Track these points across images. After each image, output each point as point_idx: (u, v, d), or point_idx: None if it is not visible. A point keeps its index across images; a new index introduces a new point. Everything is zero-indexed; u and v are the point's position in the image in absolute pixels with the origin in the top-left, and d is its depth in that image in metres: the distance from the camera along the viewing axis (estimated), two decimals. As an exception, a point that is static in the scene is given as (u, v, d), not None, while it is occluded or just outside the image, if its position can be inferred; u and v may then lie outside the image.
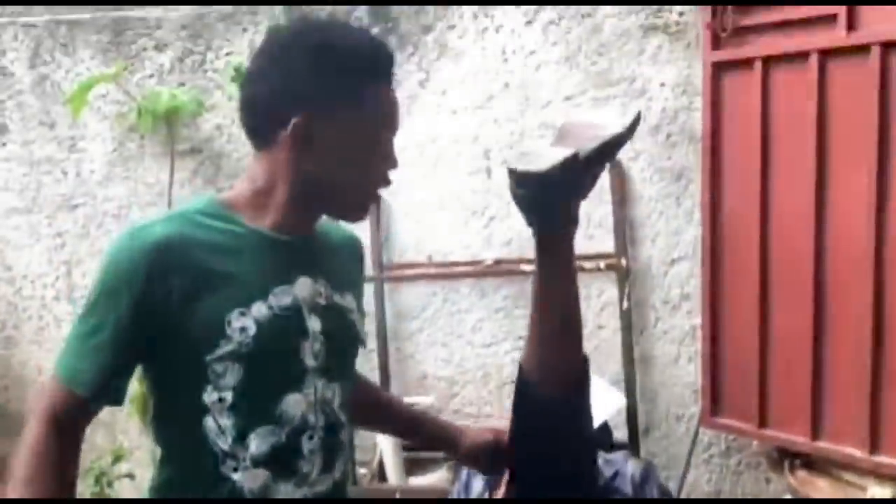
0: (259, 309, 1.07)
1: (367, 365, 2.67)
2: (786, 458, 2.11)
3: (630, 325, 2.43)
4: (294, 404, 1.10)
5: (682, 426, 2.54)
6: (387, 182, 1.15)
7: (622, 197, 2.46)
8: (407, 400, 2.53)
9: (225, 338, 1.05)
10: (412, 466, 2.50)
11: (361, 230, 2.68)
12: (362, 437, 2.72)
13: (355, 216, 1.17)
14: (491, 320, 2.62)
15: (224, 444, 1.07)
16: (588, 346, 2.58)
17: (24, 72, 2.77)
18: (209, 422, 1.07)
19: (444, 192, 2.60)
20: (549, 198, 1.08)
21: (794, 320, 2.04)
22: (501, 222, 2.57)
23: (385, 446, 2.46)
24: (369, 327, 2.60)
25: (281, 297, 1.09)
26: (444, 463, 2.53)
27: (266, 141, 1.11)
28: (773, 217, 2.07)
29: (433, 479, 2.44)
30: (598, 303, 2.55)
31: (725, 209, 2.18)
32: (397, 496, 2.30)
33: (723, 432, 2.37)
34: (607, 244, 2.50)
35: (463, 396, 2.68)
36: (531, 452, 1.24)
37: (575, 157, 1.05)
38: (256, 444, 1.08)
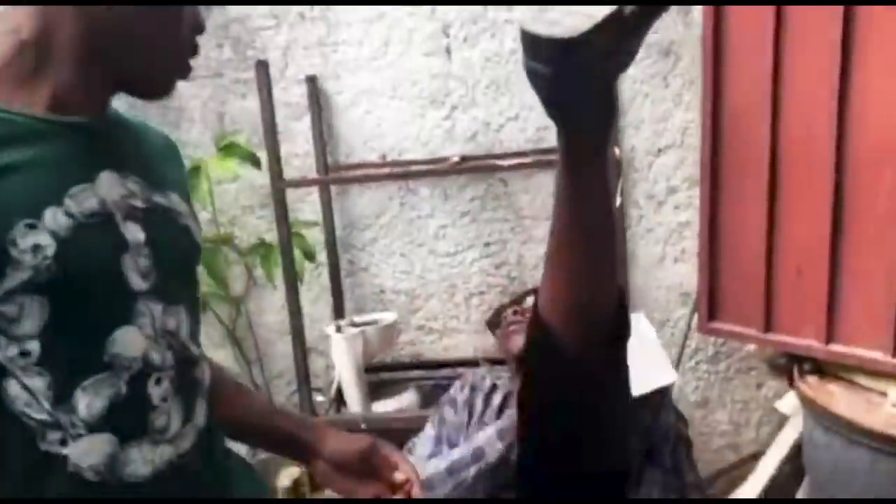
0: (55, 218, 0.75)
1: (317, 282, 2.36)
2: (794, 363, 1.91)
3: (622, 222, 2.13)
4: (128, 341, 0.82)
5: (668, 332, 2.33)
6: (195, 50, 0.86)
7: (603, 78, 2.15)
8: (365, 318, 2.24)
9: (12, 264, 0.73)
10: (375, 390, 2.23)
11: (299, 126, 2.36)
12: (314, 359, 2.43)
13: (160, 89, 0.86)
14: (455, 226, 2.32)
15: (39, 412, 0.77)
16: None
17: None
18: (12, 387, 0.76)
19: (396, 76, 2.23)
20: (584, 77, 0.74)
21: (809, 214, 1.79)
22: (465, 112, 2.23)
23: (343, 368, 2.17)
24: (317, 238, 2.27)
25: (81, 201, 0.78)
26: (411, 384, 2.27)
27: None
28: (786, 96, 1.78)
29: (400, 402, 2.18)
30: (575, 201, 2.26)
31: (729, 87, 1.88)
32: (363, 427, 2.03)
33: (722, 338, 2.16)
34: (587, 133, 2.20)
35: (427, 311, 2.40)
36: (552, 428, 0.94)
37: (619, 14, 0.70)
38: (87, 402, 0.79)
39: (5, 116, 0.76)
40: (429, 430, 1.60)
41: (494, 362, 2.31)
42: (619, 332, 0.89)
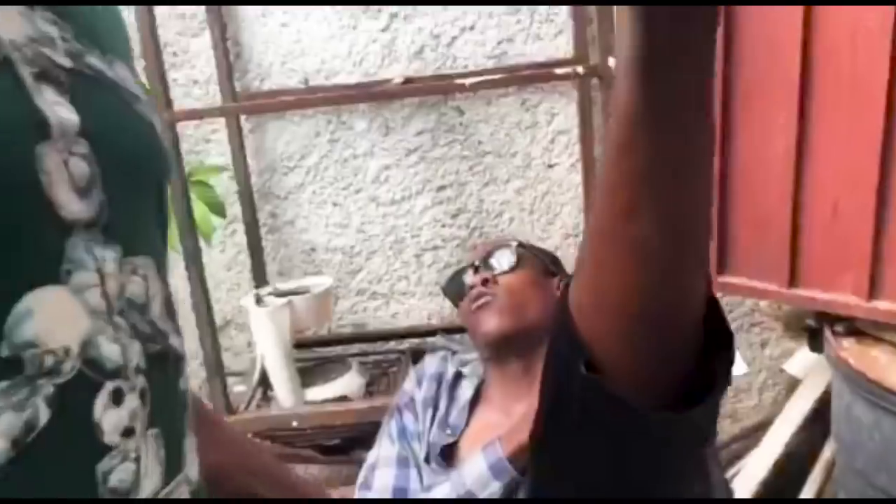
0: None
1: (229, 241, 1.90)
2: (824, 324, 1.57)
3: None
4: (54, 317, 0.39)
5: (658, 286, 1.96)
6: None
7: (580, -25, 1.72)
8: (292, 284, 1.80)
9: None
10: (308, 372, 1.81)
11: (197, 44, 1.86)
12: (234, 335, 2.00)
13: None
14: (400, 167, 1.88)
15: None
16: (535, 192, 1.94)
17: None
18: None
19: (319, -21, 1.76)
20: None
21: (850, 136, 1.43)
22: (407, 22, 1.78)
23: (267, 348, 1.74)
24: (227, 187, 1.81)
25: None
26: (354, 361, 1.85)
27: None
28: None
29: (341, 388, 1.76)
30: (546, 132, 1.85)
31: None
32: (294, 424, 1.61)
33: (735, 295, 1.80)
34: (562, 47, 1.78)
35: (369, 272, 1.97)
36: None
37: None
38: None
39: None
40: (387, 448, 1.19)
41: (454, 331, 1.92)
42: (713, 360, 0.49)
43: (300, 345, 1.87)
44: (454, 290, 1.29)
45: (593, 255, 0.49)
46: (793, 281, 1.56)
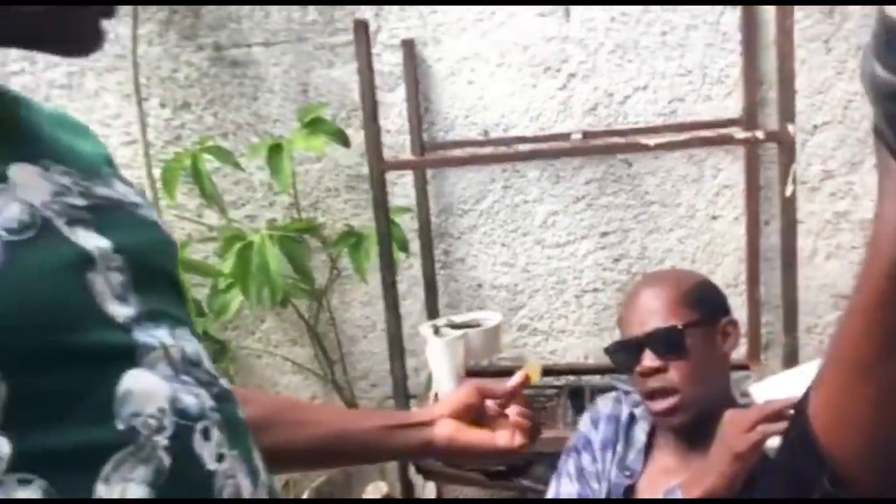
0: None
1: (407, 273, 2.09)
2: None
3: (794, 216, 1.74)
4: (146, 390, 0.54)
5: (815, 339, 2.00)
6: None
7: (753, 42, 1.81)
8: (464, 317, 1.96)
9: None
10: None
11: (392, 98, 2.08)
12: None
13: (82, 38, 0.58)
14: (567, 213, 2.02)
15: None
16: (698, 242, 2.03)
17: None
18: None
19: (505, 41, 1.93)
20: None
21: None
22: (584, 81, 1.92)
23: (441, 374, 1.90)
24: (408, 225, 2.00)
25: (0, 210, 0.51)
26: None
27: None
28: None
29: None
30: (712, 185, 1.94)
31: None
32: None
33: None
34: (730, 108, 1.88)
35: (530, 309, 2.11)
36: None
37: None
38: (119, 494, 0.51)
39: None
40: (566, 486, 1.31)
41: (611, 370, 2.03)
42: None
43: (467, 374, 2.03)
44: (621, 361, 1.33)
45: (846, 383, 0.53)
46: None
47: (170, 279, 0.63)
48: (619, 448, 1.33)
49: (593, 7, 1.88)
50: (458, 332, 1.88)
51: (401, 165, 1.85)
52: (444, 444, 0.88)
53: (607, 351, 1.37)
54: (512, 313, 2.12)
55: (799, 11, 1.79)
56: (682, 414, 1.23)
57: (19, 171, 0.54)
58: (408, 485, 1.93)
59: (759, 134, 1.58)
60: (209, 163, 2.05)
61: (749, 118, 1.82)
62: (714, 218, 1.96)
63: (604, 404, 1.41)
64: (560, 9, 1.89)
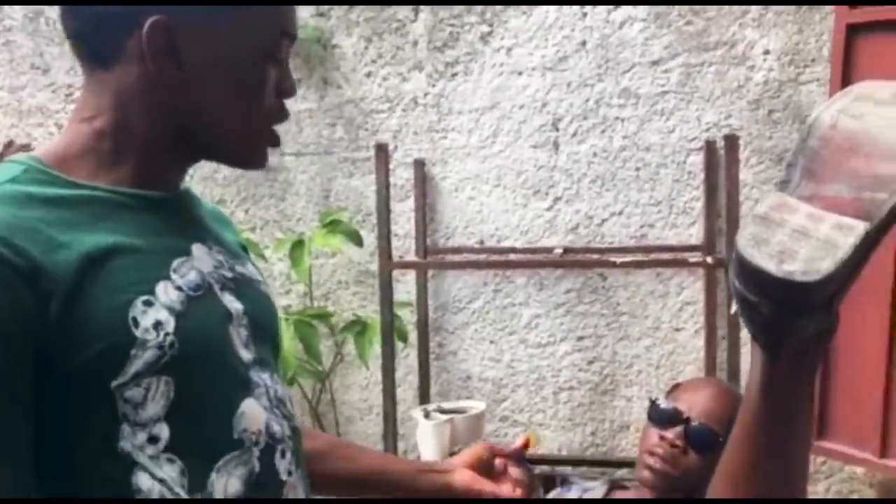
0: (166, 292, 0.74)
1: (404, 362, 2.34)
2: (912, 494, 1.80)
3: (738, 333, 2.02)
4: (253, 415, 0.79)
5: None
6: (285, 115, 0.83)
7: (713, 181, 2.13)
8: (452, 405, 2.19)
9: (137, 345, 0.70)
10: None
11: (402, 207, 2.38)
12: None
13: (249, 159, 0.84)
14: (549, 317, 2.29)
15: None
16: (662, 351, 2.29)
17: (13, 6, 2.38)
18: (143, 480, 0.71)
19: (502, 166, 2.25)
20: (811, 316, 0.64)
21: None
22: (568, 204, 2.23)
23: (428, 454, 2.12)
24: (407, 318, 2.26)
25: (184, 273, 0.77)
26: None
27: (104, 56, 0.76)
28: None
29: None
30: (675, 301, 2.22)
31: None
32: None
33: (832, 459, 2.06)
34: (693, 235, 2.17)
35: (512, 401, 2.34)
36: None
37: (866, 238, 0.60)
38: (223, 484, 0.75)
39: (99, 194, 0.75)
40: None
41: (581, 463, 2.25)
42: None
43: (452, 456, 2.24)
44: (655, 415, 1.40)
45: (721, 491, 0.77)
46: (883, 452, 1.82)
47: (273, 340, 0.91)
48: None
49: (580, 143, 2.20)
50: (446, 417, 2.11)
51: (406, 265, 2.13)
52: (462, 488, 1.10)
53: (652, 403, 1.43)
54: (496, 404, 2.35)
55: (753, 156, 2.12)
56: (659, 488, 1.37)
57: (197, 249, 0.81)
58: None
59: (710, 259, 1.86)
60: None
61: (708, 244, 2.11)
62: (677, 330, 2.22)
63: (557, 494, 1.63)
64: (552, 142, 2.22)
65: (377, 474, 1.12)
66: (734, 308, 1.77)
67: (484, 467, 1.12)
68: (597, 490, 1.60)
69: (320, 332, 2.32)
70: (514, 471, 1.11)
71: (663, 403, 1.41)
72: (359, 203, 2.31)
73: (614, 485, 1.60)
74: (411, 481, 1.13)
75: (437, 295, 2.34)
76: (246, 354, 0.82)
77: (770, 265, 0.59)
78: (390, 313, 1.94)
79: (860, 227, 0.59)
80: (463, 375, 2.36)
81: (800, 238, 0.61)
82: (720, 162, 2.12)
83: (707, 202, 2.13)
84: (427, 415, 2.14)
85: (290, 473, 0.83)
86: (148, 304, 0.72)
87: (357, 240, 2.18)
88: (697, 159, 2.15)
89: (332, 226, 2.17)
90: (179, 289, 0.75)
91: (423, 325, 2.29)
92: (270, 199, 2.37)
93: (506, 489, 1.10)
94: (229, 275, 0.84)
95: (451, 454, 2.17)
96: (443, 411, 2.17)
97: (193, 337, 0.75)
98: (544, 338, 2.30)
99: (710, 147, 2.11)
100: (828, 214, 0.62)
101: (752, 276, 0.61)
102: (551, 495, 1.63)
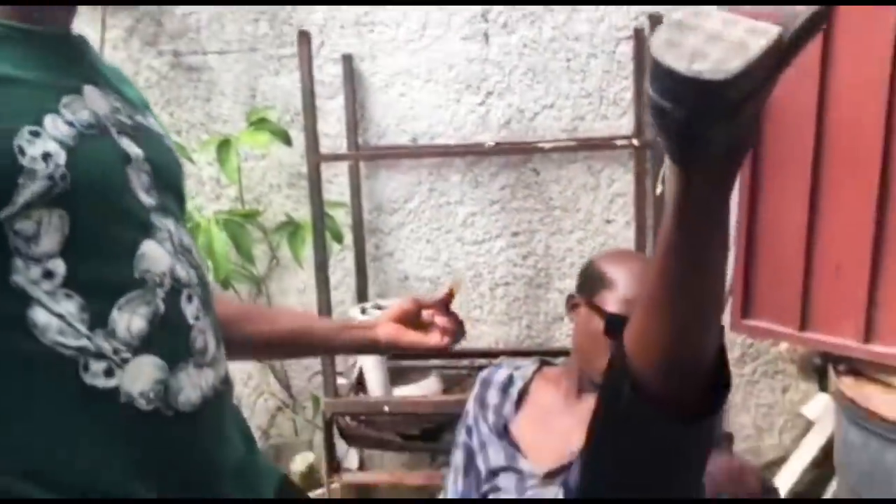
0: (55, 125, 0.72)
1: (341, 265, 2.33)
2: (829, 364, 1.89)
3: (660, 213, 2.05)
4: (155, 256, 0.78)
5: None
6: None
7: (642, 71, 2.13)
8: (389, 302, 2.20)
9: (25, 173, 0.68)
10: (396, 377, 2.19)
11: (331, 105, 2.33)
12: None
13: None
14: (485, 214, 2.29)
15: (76, 338, 0.71)
16: (594, 243, 2.32)
17: None
18: (40, 315, 0.70)
19: (432, 60, 2.21)
20: (725, 121, 0.62)
21: (851, 209, 1.77)
22: (500, 98, 2.21)
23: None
24: (343, 220, 2.24)
25: (76, 110, 0.75)
26: (433, 371, 2.23)
27: None
28: (833, 87, 1.77)
29: (422, 389, 2.14)
30: (606, 194, 2.24)
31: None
32: (386, 409, 1.99)
33: (756, 337, 2.13)
34: (623, 126, 2.18)
35: (450, 299, 2.36)
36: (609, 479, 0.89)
37: (778, 44, 0.59)
38: (126, 323, 0.74)
39: None
40: (457, 454, 1.54)
41: (517, 354, 2.29)
42: (718, 390, 0.79)
43: (390, 356, 2.26)
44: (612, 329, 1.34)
45: (642, 317, 0.75)
46: (804, 326, 1.89)
47: (177, 190, 0.89)
48: (497, 401, 1.57)
49: (510, 34, 2.17)
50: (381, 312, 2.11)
51: (335, 158, 2.09)
52: (387, 340, 1.12)
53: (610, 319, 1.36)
54: (433, 303, 2.36)
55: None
56: None
57: (90, 91, 0.79)
58: (332, 453, 2.13)
59: (636, 142, 1.88)
60: (163, 157, 2.27)
61: (639, 135, 2.12)
62: (608, 222, 2.25)
63: (488, 372, 1.66)
64: (481, 34, 2.18)
65: (298, 334, 1.12)
66: (660, 188, 1.79)
67: (411, 319, 1.13)
68: (526, 368, 1.63)
69: (254, 236, 2.29)
70: (440, 320, 1.13)
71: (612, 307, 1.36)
72: (287, 102, 2.25)
73: (543, 363, 1.64)
74: (338, 336, 1.14)
75: (372, 196, 2.32)
76: (147, 199, 0.80)
77: (680, 65, 0.59)
78: (320, 209, 1.92)
79: (773, 31, 0.59)
80: (401, 276, 2.37)
81: (713, 41, 0.60)
82: (648, 46, 2.11)
83: (637, 91, 2.14)
84: (364, 311, 2.15)
85: (197, 318, 0.82)
86: (35, 134, 0.70)
87: (285, 139, 2.13)
88: (627, 48, 2.14)
89: (259, 125, 2.11)
90: (71, 124, 0.73)
91: (358, 226, 2.28)
92: (195, 100, 2.30)
93: (433, 338, 1.12)
94: (128, 122, 0.82)
95: (387, 357, 2.19)
96: (380, 308, 2.18)
97: (87, 172, 0.72)
98: (480, 235, 2.31)
99: (638, 35, 2.10)
100: (743, 19, 0.61)
101: (664, 78, 0.60)
102: (483, 375, 1.66)
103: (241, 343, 1.06)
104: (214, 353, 0.84)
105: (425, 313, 1.14)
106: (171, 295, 0.79)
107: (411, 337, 1.12)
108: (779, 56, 0.60)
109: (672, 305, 0.74)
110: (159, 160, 0.84)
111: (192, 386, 0.79)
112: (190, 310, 0.81)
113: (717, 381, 0.77)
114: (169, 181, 0.85)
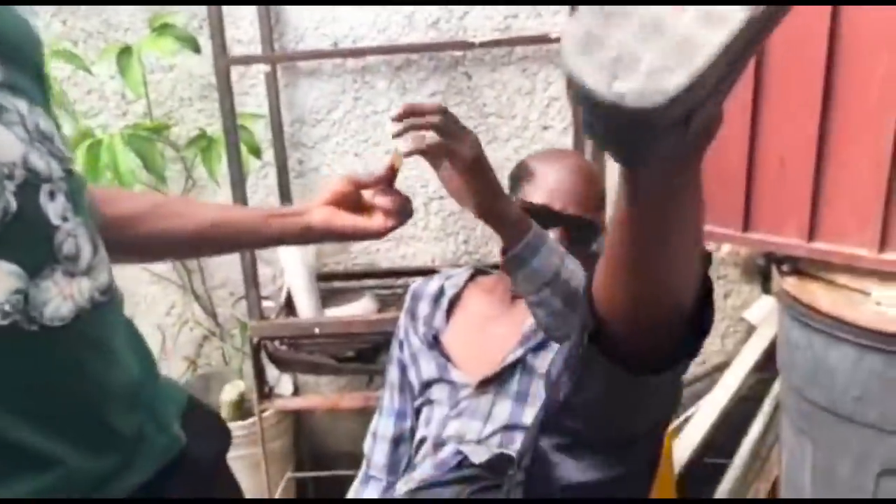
0: None
1: (263, 183, 2.18)
2: (772, 264, 1.84)
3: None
4: (1, 141, 0.64)
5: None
6: None
7: (577, -39, 1.98)
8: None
9: None
10: (328, 299, 2.08)
11: (244, 11, 2.12)
12: (260, 267, 2.26)
13: None
14: (414, 123, 2.14)
15: None
16: (531, 151, 2.20)
17: None
18: None
19: (352, -44, 2.03)
20: (675, 129, 0.50)
21: (795, 104, 1.69)
22: (427, -3, 2.05)
23: (293, 273, 2.01)
24: (262, 135, 2.08)
25: None
26: (367, 292, 2.12)
27: None
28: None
29: (356, 309, 2.03)
30: (542, 98, 2.11)
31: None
32: (316, 331, 1.88)
33: (697, 240, 2.06)
34: (558, 24, 2.05)
35: (382, 216, 2.23)
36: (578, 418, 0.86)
37: (746, 31, 0.47)
38: None
39: None
40: (392, 370, 1.46)
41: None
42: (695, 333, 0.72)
43: (320, 278, 2.14)
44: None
45: (614, 273, 0.70)
46: (747, 226, 1.83)
47: (36, 70, 0.73)
48: (427, 312, 1.48)
49: (435, -74, 1.99)
50: (309, 231, 1.98)
51: (246, 60, 1.92)
52: (322, 228, 0.97)
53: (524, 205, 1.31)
54: (365, 221, 2.23)
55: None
56: None
57: None
58: (262, 380, 2.02)
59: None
60: (59, 70, 2.06)
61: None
62: (545, 128, 2.14)
63: (419, 285, 1.56)
64: (404, -74, 2.00)
65: (215, 227, 0.97)
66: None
67: (348, 202, 0.98)
68: (458, 277, 1.54)
69: (167, 155, 2.12)
70: (383, 200, 0.97)
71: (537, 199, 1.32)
72: (192, 10, 2.05)
73: (477, 271, 1.56)
74: (261, 226, 0.99)
75: (293, 107, 2.15)
76: None
77: (599, 83, 0.42)
78: (232, 120, 1.75)
79: (737, 17, 0.42)
80: (328, 193, 2.22)
81: (647, 36, 0.43)
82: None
83: (572, -14, 2.00)
84: (288, 231, 2.01)
85: (65, 219, 0.68)
86: None
87: (193, 45, 1.94)
88: (561, -62, 1.99)
89: (162, 31, 1.92)
90: None
91: (279, 140, 2.12)
92: (91, 7, 2.07)
93: (376, 221, 0.97)
94: None
95: (323, 278, 2.07)
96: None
97: None
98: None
99: (573, -78, 1.95)
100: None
101: (580, 93, 0.45)
102: (414, 287, 1.56)
103: (156, 241, 0.93)
104: (90, 259, 0.71)
105: (365, 194, 0.99)
106: (25, 189, 0.65)
107: (350, 221, 0.97)
108: (741, 51, 0.45)
109: (635, 271, 0.68)
110: (11, 30, 0.69)
111: (61, 297, 0.67)
112: (53, 208, 0.68)
113: (696, 327, 0.72)
114: (18, 55, 0.70)
